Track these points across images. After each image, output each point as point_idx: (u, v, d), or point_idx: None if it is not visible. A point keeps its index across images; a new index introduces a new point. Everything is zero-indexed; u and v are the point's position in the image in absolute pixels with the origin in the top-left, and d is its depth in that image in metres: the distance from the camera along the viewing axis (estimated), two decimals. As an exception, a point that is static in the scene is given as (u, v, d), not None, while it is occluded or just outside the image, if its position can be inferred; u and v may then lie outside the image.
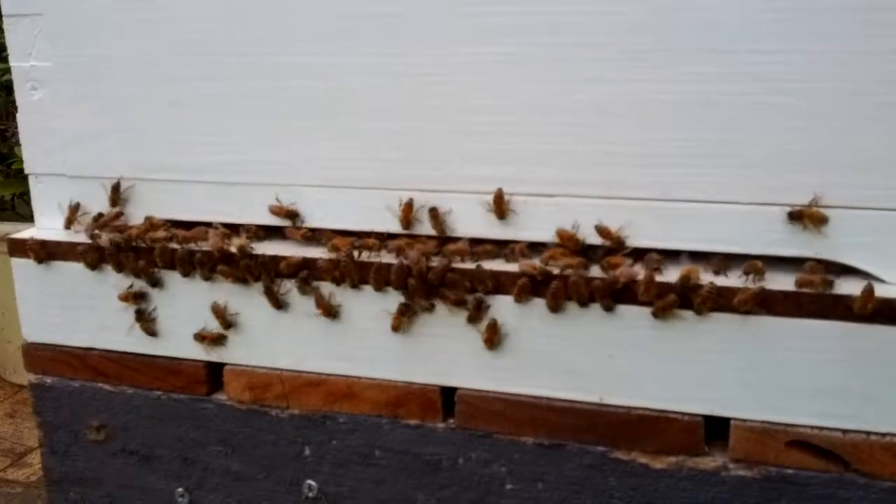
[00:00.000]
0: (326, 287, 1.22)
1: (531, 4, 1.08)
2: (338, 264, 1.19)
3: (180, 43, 1.24)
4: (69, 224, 1.35)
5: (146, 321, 1.32)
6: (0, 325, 2.74)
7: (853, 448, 1.05)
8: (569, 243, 1.11)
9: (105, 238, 1.30)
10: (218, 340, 1.29)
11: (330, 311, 1.21)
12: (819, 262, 1.04)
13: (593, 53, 1.06)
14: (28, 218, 2.45)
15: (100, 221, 1.32)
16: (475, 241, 1.17)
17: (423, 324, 1.19)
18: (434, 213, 1.16)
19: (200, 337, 1.29)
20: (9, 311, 2.63)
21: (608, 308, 1.09)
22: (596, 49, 1.06)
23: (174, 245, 1.28)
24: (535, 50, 1.09)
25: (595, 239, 1.12)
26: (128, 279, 1.32)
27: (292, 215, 1.23)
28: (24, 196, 2.66)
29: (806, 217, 1.02)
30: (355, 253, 1.19)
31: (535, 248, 1.15)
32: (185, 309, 1.31)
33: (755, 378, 1.07)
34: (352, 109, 1.18)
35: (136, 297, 1.31)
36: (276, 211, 1.24)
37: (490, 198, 1.14)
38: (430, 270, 1.14)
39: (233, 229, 1.28)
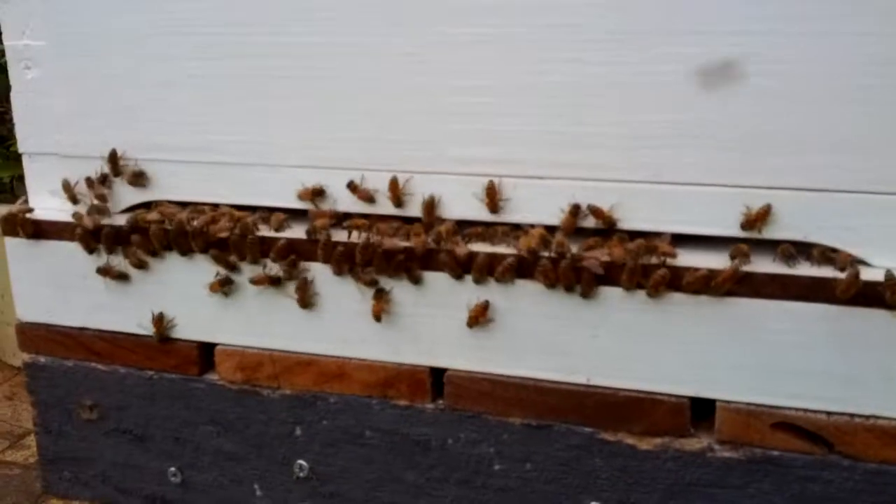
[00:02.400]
0: (316, 268, 1.22)
1: (513, -15, 1.08)
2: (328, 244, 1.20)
3: (171, 23, 1.24)
4: (75, 201, 1.35)
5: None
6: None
7: (837, 430, 1.05)
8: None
9: (88, 220, 1.31)
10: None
11: (305, 303, 1.23)
12: (793, 243, 1.04)
13: (574, 34, 1.06)
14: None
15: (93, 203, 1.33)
16: (464, 223, 1.18)
17: (412, 305, 1.20)
18: (393, 184, 1.17)
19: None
20: (8, 294, 2.63)
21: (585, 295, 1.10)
22: (577, 30, 1.06)
23: (168, 226, 1.28)
24: (516, 31, 1.08)
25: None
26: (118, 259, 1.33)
27: (317, 193, 1.22)
28: (23, 178, 2.66)
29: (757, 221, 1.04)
30: (346, 233, 1.19)
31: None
32: (176, 289, 1.31)
33: (741, 360, 1.07)
34: (337, 90, 1.18)
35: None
36: (303, 195, 1.22)
37: (477, 179, 1.14)
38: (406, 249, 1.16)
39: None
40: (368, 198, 1.18)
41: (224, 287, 1.27)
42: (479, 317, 1.15)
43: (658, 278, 1.06)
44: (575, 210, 1.10)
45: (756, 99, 1.02)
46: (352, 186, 1.19)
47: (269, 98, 1.21)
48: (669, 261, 1.06)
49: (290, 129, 1.22)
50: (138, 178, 1.30)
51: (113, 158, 1.30)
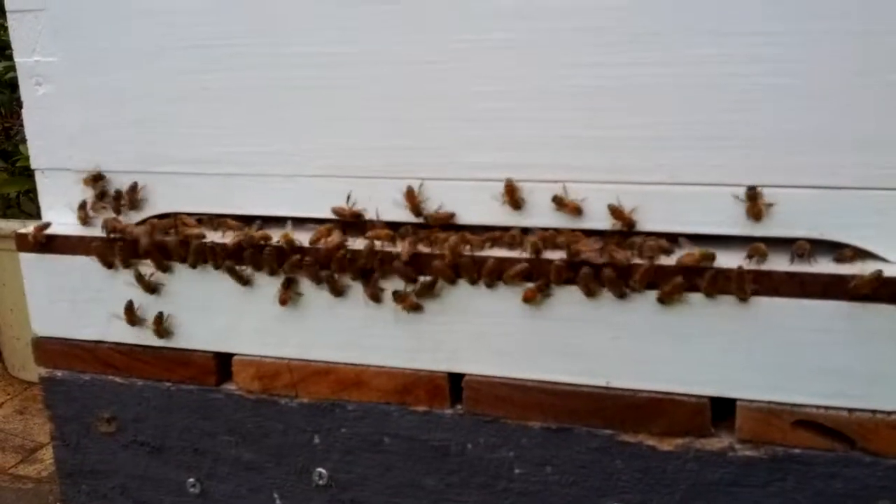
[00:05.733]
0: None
1: (531, -10, 1.08)
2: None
3: (182, 36, 1.24)
4: (84, 221, 1.35)
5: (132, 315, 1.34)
6: (8, 323, 2.75)
7: (859, 427, 1.05)
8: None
9: (131, 231, 1.31)
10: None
11: (337, 290, 1.22)
12: (809, 241, 1.04)
13: (593, 38, 1.07)
14: (34, 215, 2.46)
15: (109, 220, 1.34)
16: (483, 229, 1.18)
17: (429, 311, 1.20)
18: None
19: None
20: (17, 308, 2.64)
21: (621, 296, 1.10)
22: (596, 33, 1.07)
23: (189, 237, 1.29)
24: (535, 35, 1.09)
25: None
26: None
27: (356, 216, 1.21)
28: (30, 193, 2.67)
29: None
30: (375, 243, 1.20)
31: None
32: (194, 300, 1.32)
33: (761, 359, 1.07)
34: (352, 98, 1.19)
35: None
36: (340, 212, 1.22)
37: (494, 185, 1.14)
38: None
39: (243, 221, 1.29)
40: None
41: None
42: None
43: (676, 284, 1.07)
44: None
45: (777, 98, 1.02)
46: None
47: (287, 108, 1.22)
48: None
49: (307, 139, 1.22)
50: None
51: (132, 190, 1.31)
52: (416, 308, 1.19)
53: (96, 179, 1.33)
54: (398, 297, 1.19)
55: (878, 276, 1.00)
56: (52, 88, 1.34)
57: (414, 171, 1.18)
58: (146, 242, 1.28)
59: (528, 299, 1.13)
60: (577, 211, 1.11)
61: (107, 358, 1.39)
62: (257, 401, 1.33)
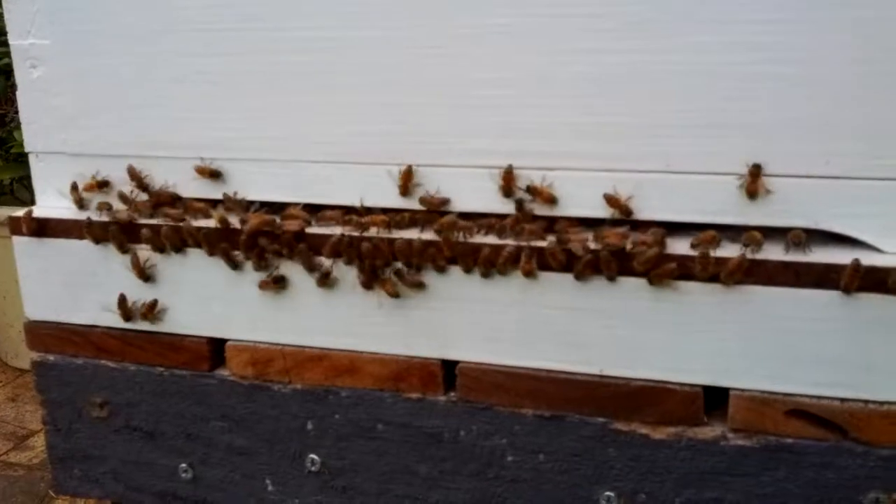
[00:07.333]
0: (327, 262, 1.23)
1: (530, -24, 1.08)
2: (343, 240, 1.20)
3: (179, 19, 1.24)
4: (80, 204, 1.35)
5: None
6: (1, 309, 2.74)
7: (851, 416, 1.06)
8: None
9: (124, 214, 1.31)
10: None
11: (326, 282, 1.22)
12: (805, 230, 1.05)
13: (593, 24, 1.06)
14: (27, 202, 2.45)
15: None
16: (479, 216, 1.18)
17: (423, 298, 1.20)
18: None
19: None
20: (10, 295, 2.63)
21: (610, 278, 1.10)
22: (595, 20, 1.06)
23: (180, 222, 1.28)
24: (533, 21, 1.08)
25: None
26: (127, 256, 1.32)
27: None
28: (23, 180, 2.66)
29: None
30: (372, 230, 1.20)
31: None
32: (187, 285, 1.31)
33: (754, 348, 1.07)
34: (351, 84, 1.18)
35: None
36: (362, 211, 1.21)
37: (493, 171, 1.14)
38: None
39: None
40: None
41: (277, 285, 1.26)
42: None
43: (668, 270, 1.07)
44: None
45: (775, 86, 1.02)
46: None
47: (285, 93, 1.21)
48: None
49: (305, 124, 1.21)
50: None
51: (133, 174, 1.31)
52: (396, 295, 1.19)
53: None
54: (381, 281, 1.19)
55: (856, 266, 1.00)
56: (46, 71, 1.33)
57: (412, 157, 1.17)
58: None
59: (527, 273, 1.13)
60: (551, 200, 1.11)
61: (100, 342, 1.39)
62: (250, 387, 1.32)
